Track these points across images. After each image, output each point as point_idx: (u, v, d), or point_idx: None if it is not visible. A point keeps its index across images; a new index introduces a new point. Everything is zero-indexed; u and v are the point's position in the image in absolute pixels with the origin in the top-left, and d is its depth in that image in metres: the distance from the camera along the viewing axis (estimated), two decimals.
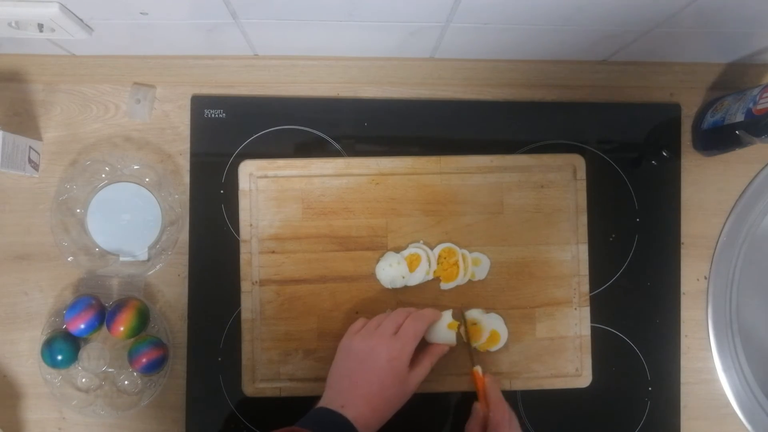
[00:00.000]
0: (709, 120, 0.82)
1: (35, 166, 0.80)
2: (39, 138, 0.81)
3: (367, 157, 0.79)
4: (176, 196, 0.80)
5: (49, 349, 0.76)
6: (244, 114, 0.81)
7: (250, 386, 0.77)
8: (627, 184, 0.84)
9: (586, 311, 0.79)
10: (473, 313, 0.78)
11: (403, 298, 0.78)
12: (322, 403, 0.67)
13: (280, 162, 0.78)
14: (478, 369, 0.75)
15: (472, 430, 0.72)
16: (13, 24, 0.66)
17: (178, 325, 0.80)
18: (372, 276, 0.78)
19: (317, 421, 0.65)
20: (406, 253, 0.77)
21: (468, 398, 0.76)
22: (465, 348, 0.76)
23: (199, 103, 0.81)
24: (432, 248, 0.78)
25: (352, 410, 0.65)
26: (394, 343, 0.69)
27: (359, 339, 0.70)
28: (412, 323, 0.71)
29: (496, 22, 0.70)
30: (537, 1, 0.64)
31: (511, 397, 0.80)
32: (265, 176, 0.78)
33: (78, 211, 0.79)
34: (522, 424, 0.80)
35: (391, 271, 0.76)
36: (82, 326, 0.75)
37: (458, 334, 0.75)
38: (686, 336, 0.84)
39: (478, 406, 0.73)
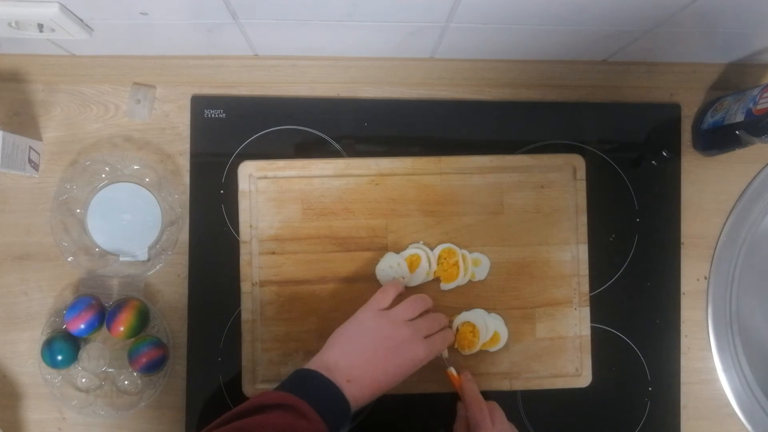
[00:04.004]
0: (709, 120, 0.82)
1: (35, 166, 0.80)
2: (39, 138, 0.81)
3: (367, 157, 0.79)
4: (176, 196, 0.80)
5: (49, 349, 0.76)
6: (244, 114, 0.81)
7: (251, 387, 0.76)
8: (627, 184, 0.84)
9: (586, 311, 0.79)
10: (476, 314, 0.78)
11: (403, 299, 0.78)
12: (320, 366, 0.63)
13: (280, 163, 0.78)
14: (452, 370, 0.74)
15: (458, 430, 0.72)
16: (13, 24, 0.66)
17: (178, 325, 0.80)
18: (372, 277, 0.78)
19: (317, 394, 0.60)
20: (406, 253, 0.77)
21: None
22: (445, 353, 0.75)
23: (199, 103, 0.81)
24: (432, 249, 0.78)
25: (356, 388, 0.62)
26: (423, 349, 0.67)
27: (390, 323, 0.67)
28: (443, 340, 0.70)
29: (495, 22, 0.70)
30: (537, 1, 0.64)
31: (511, 397, 0.80)
32: (265, 177, 0.78)
33: (78, 211, 0.79)
34: (522, 424, 0.81)
35: (391, 271, 0.76)
36: (82, 326, 0.75)
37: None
38: (686, 336, 0.84)
39: (460, 406, 0.73)
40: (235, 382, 0.77)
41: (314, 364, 0.64)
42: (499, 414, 0.72)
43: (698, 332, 0.84)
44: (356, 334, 0.67)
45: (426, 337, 0.69)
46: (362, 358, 0.65)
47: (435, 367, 0.76)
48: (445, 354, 0.75)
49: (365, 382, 0.63)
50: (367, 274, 0.78)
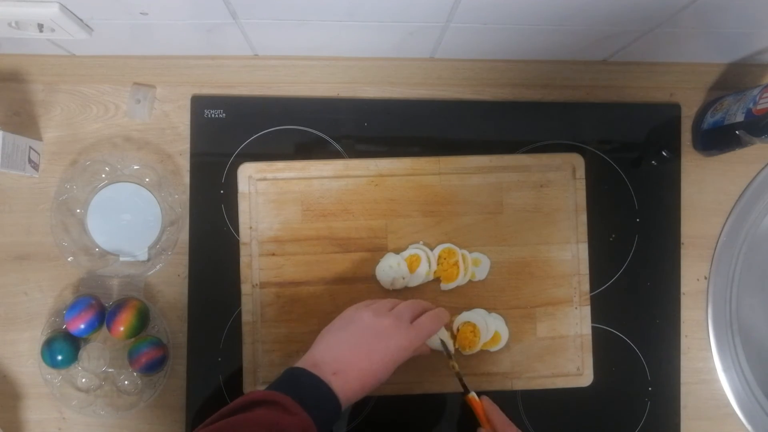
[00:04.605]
0: (709, 120, 0.82)
1: (35, 166, 0.80)
2: (39, 138, 0.81)
3: (366, 158, 0.79)
4: (176, 196, 0.80)
5: (49, 349, 0.76)
6: (244, 114, 0.81)
7: (252, 389, 0.76)
8: (627, 184, 0.84)
9: (586, 310, 0.79)
10: (476, 314, 0.78)
11: (403, 299, 0.78)
12: (307, 364, 0.63)
13: (279, 164, 0.78)
14: (473, 395, 0.73)
15: None
16: (13, 24, 0.66)
17: (178, 325, 0.80)
18: (372, 277, 0.78)
19: (303, 389, 0.60)
20: (406, 254, 0.77)
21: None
22: (456, 367, 0.74)
23: (199, 103, 0.81)
24: (432, 249, 0.78)
25: (342, 380, 0.61)
26: (409, 333, 0.66)
27: (372, 313, 0.66)
28: (431, 321, 0.69)
29: (495, 22, 0.70)
30: (537, 1, 0.64)
31: (511, 397, 0.80)
32: (264, 179, 0.78)
33: (78, 211, 0.79)
34: (522, 424, 0.81)
35: (392, 272, 0.76)
36: (82, 326, 0.75)
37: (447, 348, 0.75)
38: (686, 336, 0.84)
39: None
40: (235, 382, 0.77)
41: (302, 362, 0.64)
42: None
43: (698, 332, 0.84)
44: (339, 328, 0.67)
45: (412, 322, 0.68)
46: (345, 349, 0.64)
47: (435, 367, 0.76)
48: (451, 348, 0.74)
49: (351, 373, 0.63)
50: (368, 275, 0.78)
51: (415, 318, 0.68)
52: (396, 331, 0.65)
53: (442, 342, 0.74)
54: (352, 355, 0.64)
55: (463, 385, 0.73)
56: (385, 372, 0.64)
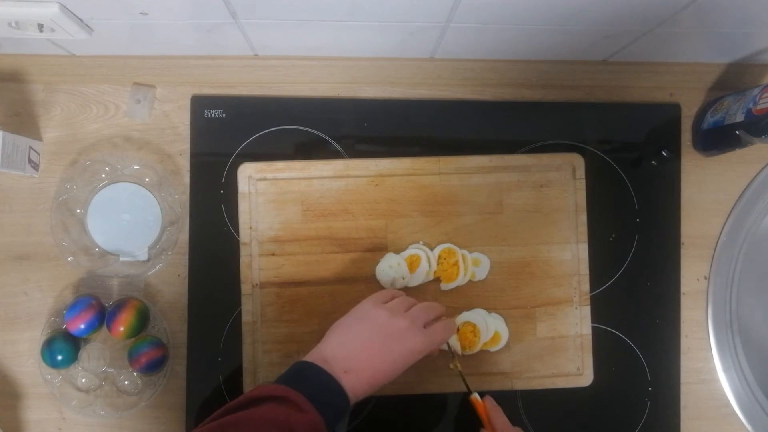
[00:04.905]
0: (709, 120, 0.82)
1: (35, 166, 0.80)
2: (39, 138, 0.81)
3: (366, 158, 0.79)
4: (176, 196, 0.80)
5: (49, 349, 0.76)
6: (244, 114, 0.81)
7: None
8: (627, 184, 0.84)
9: (586, 310, 0.79)
10: (476, 313, 0.78)
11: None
12: (317, 358, 0.62)
13: (279, 164, 0.78)
14: (476, 395, 0.73)
15: None
16: (13, 24, 0.66)
17: (178, 325, 0.80)
18: (372, 277, 0.78)
19: (313, 385, 0.59)
20: (406, 254, 0.77)
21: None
22: (459, 367, 0.74)
23: (199, 103, 0.81)
24: (432, 249, 0.78)
25: (353, 379, 0.60)
26: (423, 338, 0.65)
27: (388, 313, 0.65)
28: (445, 329, 0.68)
29: (495, 23, 0.70)
30: (537, 2, 0.64)
31: (511, 397, 0.80)
32: (264, 179, 0.78)
33: (78, 211, 0.79)
34: (522, 424, 0.81)
35: (392, 272, 0.76)
36: (82, 326, 0.75)
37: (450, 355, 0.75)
38: (686, 336, 0.84)
39: None
40: (235, 382, 0.77)
41: (312, 356, 0.63)
42: None
43: (698, 332, 0.84)
44: (354, 324, 0.66)
45: (425, 327, 0.67)
46: (359, 347, 0.63)
47: (435, 367, 0.76)
48: (458, 350, 0.75)
49: (363, 372, 0.62)
50: (368, 275, 0.78)
51: (428, 322, 0.68)
52: (411, 334, 0.64)
53: (448, 344, 0.74)
54: (365, 354, 0.63)
55: (466, 386, 0.73)
56: (395, 373, 0.64)
